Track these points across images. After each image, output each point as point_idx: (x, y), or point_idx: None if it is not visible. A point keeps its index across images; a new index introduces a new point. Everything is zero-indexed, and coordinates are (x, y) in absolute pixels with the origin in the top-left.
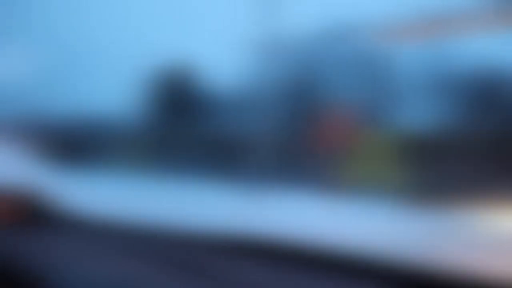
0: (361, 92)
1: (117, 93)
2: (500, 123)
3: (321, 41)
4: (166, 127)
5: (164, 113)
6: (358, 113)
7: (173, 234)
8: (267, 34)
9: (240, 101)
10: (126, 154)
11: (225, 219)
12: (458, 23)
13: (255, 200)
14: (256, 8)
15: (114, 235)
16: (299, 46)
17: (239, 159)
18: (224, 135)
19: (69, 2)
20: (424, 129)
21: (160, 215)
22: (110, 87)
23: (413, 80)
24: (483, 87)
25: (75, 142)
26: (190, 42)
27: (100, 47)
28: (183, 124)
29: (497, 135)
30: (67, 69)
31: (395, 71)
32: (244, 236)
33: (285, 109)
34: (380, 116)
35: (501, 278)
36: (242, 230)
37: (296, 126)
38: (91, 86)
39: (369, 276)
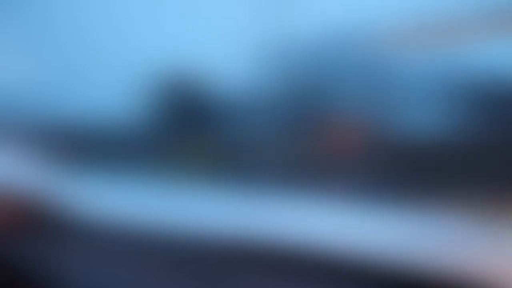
0: (372, 98)
1: (123, 95)
2: None
3: (329, 45)
4: (171, 130)
5: (169, 116)
6: (368, 119)
7: (180, 241)
8: (275, 38)
9: (247, 105)
10: (131, 158)
11: (233, 226)
12: (469, 27)
13: (266, 206)
14: (263, 12)
15: (119, 240)
16: (308, 50)
17: (247, 165)
18: (230, 139)
19: (73, 2)
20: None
21: (166, 222)
22: (115, 89)
23: (428, 85)
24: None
25: (79, 145)
26: (197, 45)
27: (104, 48)
28: (188, 128)
29: None
30: (69, 71)
31: (407, 76)
32: (255, 244)
33: (294, 115)
34: (390, 122)
35: None
36: (252, 237)
37: (305, 132)
38: (95, 88)
39: None
